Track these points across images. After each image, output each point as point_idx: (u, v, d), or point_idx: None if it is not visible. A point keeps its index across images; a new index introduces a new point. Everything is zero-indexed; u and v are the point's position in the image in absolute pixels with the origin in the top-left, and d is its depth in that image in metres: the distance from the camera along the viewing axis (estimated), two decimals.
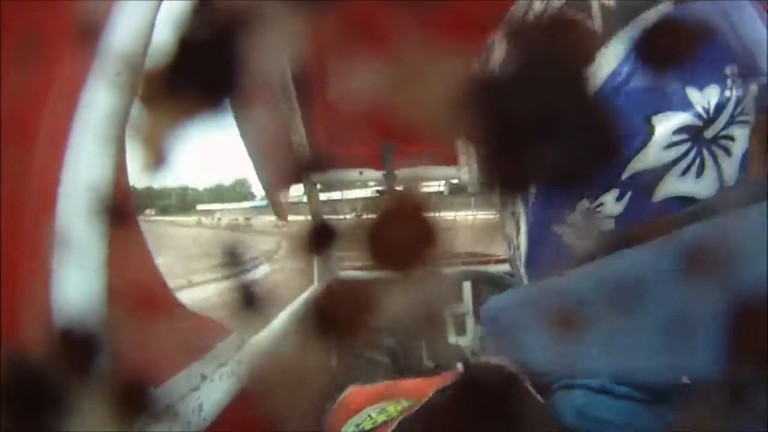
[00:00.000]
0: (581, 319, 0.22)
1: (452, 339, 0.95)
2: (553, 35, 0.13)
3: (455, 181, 1.01)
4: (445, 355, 0.89)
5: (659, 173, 0.24)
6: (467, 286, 1.02)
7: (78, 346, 0.18)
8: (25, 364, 0.17)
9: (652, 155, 0.24)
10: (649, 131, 0.24)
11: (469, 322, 0.97)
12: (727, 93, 0.24)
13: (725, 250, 0.18)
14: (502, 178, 0.13)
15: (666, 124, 0.24)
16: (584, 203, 0.26)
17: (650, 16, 0.25)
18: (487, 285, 1.01)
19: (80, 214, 0.24)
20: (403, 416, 0.32)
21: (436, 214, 0.15)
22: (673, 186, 0.24)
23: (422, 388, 0.34)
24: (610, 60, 0.25)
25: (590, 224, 0.26)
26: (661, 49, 0.16)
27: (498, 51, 0.28)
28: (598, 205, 0.25)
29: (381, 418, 0.38)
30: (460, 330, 0.96)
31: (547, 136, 0.13)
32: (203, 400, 0.38)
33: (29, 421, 0.16)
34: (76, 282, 0.23)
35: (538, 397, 0.24)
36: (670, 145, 0.24)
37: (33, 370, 0.16)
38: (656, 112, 0.24)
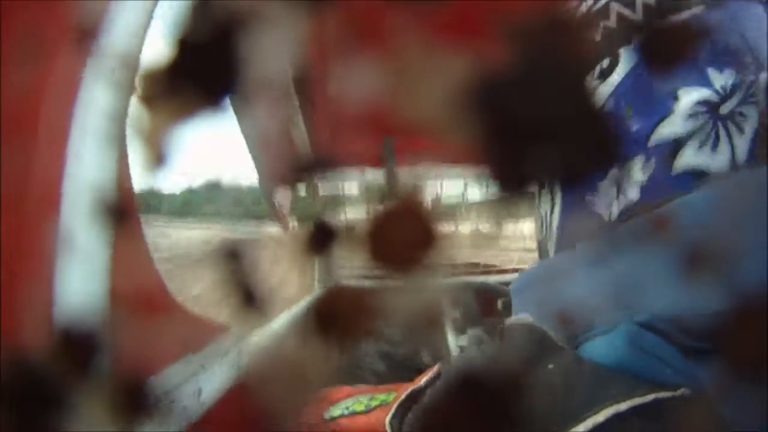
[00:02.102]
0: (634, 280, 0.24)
1: (451, 341, 0.95)
2: (555, 35, 0.13)
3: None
4: (445, 355, 0.88)
5: (681, 142, 0.28)
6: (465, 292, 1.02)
7: (79, 347, 0.18)
8: (26, 364, 0.17)
9: (675, 123, 0.28)
10: (675, 101, 0.28)
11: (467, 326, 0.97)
12: (742, 76, 0.27)
13: (725, 250, 0.19)
14: (502, 177, 0.13)
15: (690, 97, 0.27)
16: (614, 171, 0.29)
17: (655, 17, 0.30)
18: (484, 294, 1.01)
19: (82, 215, 0.24)
20: (411, 388, 0.34)
21: (438, 217, 0.15)
22: (691, 158, 0.27)
23: (403, 388, 0.35)
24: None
25: (618, 193, 0.29)
26: (664, 50, 0.16)
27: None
28: (627, 172, 0.29)
29: (374, 403, 0.38)
30: (460, 332, 0.96)
31: (548, 136, 0.13)
32: (202, 385, 0.38)
33: (29, 421, 0.16)
34: (78, 282, 0.23)
35: (565, 345, 0.26)
36: (692, 115, 0.27)
37: (33, 370, 0.16)
38: (682, 87, 0.28)
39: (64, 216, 0.23)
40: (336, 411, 0.40)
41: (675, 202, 0.26)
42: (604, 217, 0.30)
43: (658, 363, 0.23)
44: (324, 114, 0.91)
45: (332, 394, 0.44)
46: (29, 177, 0.23)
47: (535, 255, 0.40)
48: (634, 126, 0.29)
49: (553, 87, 0.13)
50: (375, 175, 1.03)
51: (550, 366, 0.25)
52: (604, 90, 0.30)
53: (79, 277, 0.23)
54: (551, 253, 0.35)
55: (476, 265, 1.27)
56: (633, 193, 0.29)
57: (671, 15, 0.29)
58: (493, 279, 1.13)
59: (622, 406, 0.21)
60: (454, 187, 1.07)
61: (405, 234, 0.15)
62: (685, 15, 0.28)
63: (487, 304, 0.96)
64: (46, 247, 0.23)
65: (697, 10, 0.28)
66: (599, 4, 0.31)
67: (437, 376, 0.34)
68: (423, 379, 0.34)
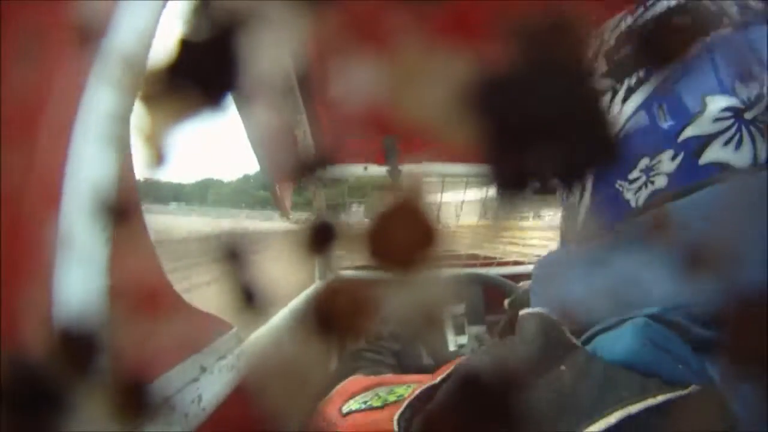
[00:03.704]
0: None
1: (451, 339, 0.94)
2: (556, 36, 0.13)
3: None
4: (445, 353, 0.88)
5: (707, 140, 0.30)
6: (466, 287, 1.02)
7: (79, 347, 0.18)
8: (26, 364, 0.17)
9: (703, 124, 0.30)
10: (703, 106, 0.30)
11: (467, 323, 0.97)
12: (765, 89, 0.30)
13: (725, 250, 0.19)
14: (502, 177, 0.13)
15: (716, 103, 0.30)
16: (645, 161, 0.32)
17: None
18: (488, 287, 1.00)
19: (83, 214, 0.24)
20: (426, 385, 0.34)
21: (438, 216, 0.15)
22: (717, 153, 0.30)
23: (426, 380, 0.35)
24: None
25: (647, 181, 0.32)
26: (662, 47, 0.15)
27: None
28: (657, 163, 0.31)
29: (391, 398, 0.38)
30: (459, 330, 0.96)
31: (548, 136, 0.13)
32: (203, 391, 0.38)
33: (29, 421, 0.16)
34: (78, 282, 0.23)
35: (578, 342, 0.27)
36: (718, 119, 0.30)
37: (33, 370, 0.16)
38: (710, 94, 0.30)
39: (64, 215, 0.23)
40: (354, 405, 0.40)
41: (676, 203, 0.28)
42: (631, 203, 0.33)
43: (669, 358, 0.23)
44: (326, 113, 0.91)
45: (350, 386, 0.44)
46: (29, 177, 0.23)
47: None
48: (666, 124, 0.32)
49: (553, 87, 0.13)
50: (377, 174, 1.02)
51: (562, 368, 0.25)
52: (639, 97, 0.33)
53: (79, 277, 0.23)
54: (575, 235, 0.37)
55: (476, 256, 1.26)
56: (661, 181, 0.31)
57: (700, 36, 0.31)
58: (493, 271, 1.12)
59: (634, 408, 0.21)
60: (454, 187, 1.07)
61: (406, 232, 0.15)
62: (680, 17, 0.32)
63: (492, 298, 0.96)
64: (45, 247, 0.23)
65: (725, 30, 0.31)
66: (638, 22, 0.34)
67: (451, 374, 0.34)
68: (438, 378, 0.35)
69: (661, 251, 0.26)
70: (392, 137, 0.93)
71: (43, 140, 0.23)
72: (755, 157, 0.29)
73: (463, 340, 0.94)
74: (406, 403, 0.34)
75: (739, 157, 0.30)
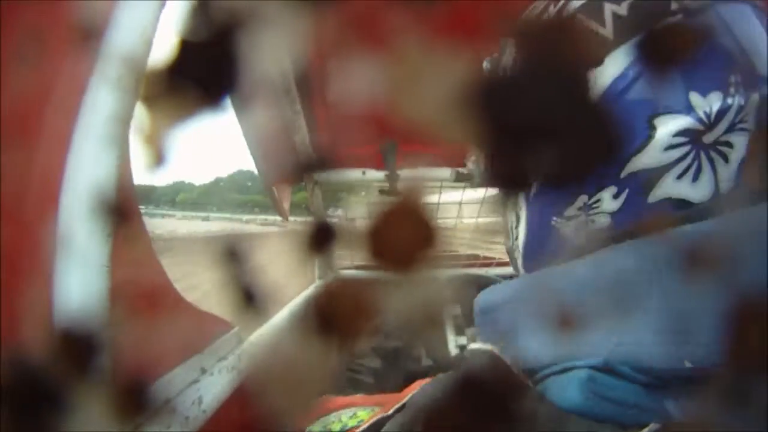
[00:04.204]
0: (579, 318, 0.22)
1: (451, 339, 0.95)
2: (557, 36, 0.13)
3: (462, 170, 1.00)
4: (443, 354, 0.89)
5: (657, 174, 0.25)
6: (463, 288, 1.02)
7: (79, 347, 0.18)
8: (26, 364, 0.17)
9: (651, 155, 0.25)
10: (651, 132, 0.24)
11: (465, 324, 0.97)
12: (729, 100, 0.24)
13: (725, 249, 0.19)
14: (502, 177, 0.13)
15: (667, 126, 0.24)
16: (583, 198, 0.27)
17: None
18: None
19: (83, 215, 0.24)
20: (378, 417, 0.32)
21: (437, 215, 0.15)
22: (670, 188, 0.25)
23: (397, 398, 0.34)
24: (617, 63, 0.25)
25: (587, 220, 0.27)
26: (663, 50, 0.15)
27: (509, 51, 0.28)
28: (596, 201, 0.26)
29: (352, 423, 0.38)
30: (459, 330, 0.96)
31: (548, 136, 0.13)
32: (203, 393, 0.38)
33: (29, 421, 0.16)
34: (78, 282, 0.23)
35: (529, 383, 0.25)
36: (670, 147, 0.24)
37: (33, 371, 0.16)
38: (658, 114, 0.25)
39: (64, 216, 0.23)
40: (316, 427, 0.40)
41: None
42: (573, 240, 0.28)
43: (618, 406, 0.22)
44: (325, 114, 0.91)
45: (328, 405, 0.43)
46: (29, 177, 0.23)
47: None
48: None
49: (553, 87, 0.13)
50: (375, 176, 1.02)
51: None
52: None
53: (79, 277, 0.23)
54: (519, 264, 0.33)
55: (476, 257, 1.26)
56: (603, 220, 0.27)
57: (659, 17, 0.26)
58: (493, 272, 1.12)
59: None
60: (453, 187, 1.07)
61: (405, 234, 0.15)
62: (679, 18, 0.26)
63: None
64: (45, 247, 0.23)
65: (676, 18, 0.26)
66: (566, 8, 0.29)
67: (403, 407, 0.33)
68: (391, 409, 0.33)
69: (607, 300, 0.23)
70: (391, 142, 0.93)
71: (43, 140, 0.23)
72: (717, 187, 0.24)
73: (463, 340, 0.95)
74: None
75: (697, 190, 0.24)
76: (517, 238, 0.33)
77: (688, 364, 0.19)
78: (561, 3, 0.28)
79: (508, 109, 0.13)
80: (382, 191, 0.99)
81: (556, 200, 0.28)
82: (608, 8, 0.26)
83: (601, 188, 0.26)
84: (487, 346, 0.27)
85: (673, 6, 0.25)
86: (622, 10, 0.26)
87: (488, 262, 1.24)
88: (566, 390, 0.23)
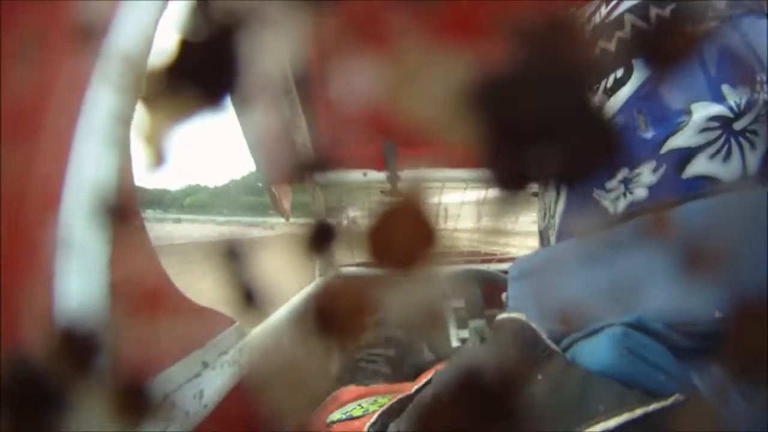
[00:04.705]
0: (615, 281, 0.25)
1: (453, 333, 0.95)
2: (557, 37, 0.13)
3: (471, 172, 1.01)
4: (446, 348, 0.89)
5: (692, 152, 0.28)
6: (464, 282, 1.03)
7: (79, 347, 0.18)
8: (26, 364, 0.17)
9: (687, 135, 0.28)
10: (688, 115, 0.28)
11: (470, 317, 0.97)
12: (756, 95, 0.27)
13: (725, 249, 0.19)
14: (502, 178, 0.13)
15: (702, 111, 0.28)
16: (624, 171, 0.30)
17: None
18: (488, 283, 1.01)
19: (83, 215, 0.24)
20: (401, 395, 0.33)
21: (438, 216, 0.15)
22: (702, 166, 0.28)
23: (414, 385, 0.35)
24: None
25: (626, 191, 0.30)
26: (663, 49, 0.15)
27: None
28: (636, 175, 0.29)
29: (372, 408, 0.38)
30: (461, 324, 0.96)
31: (548, 137, 0.13)
32: (204, 387, 0.38)
33: (29, 421, 0.16)
34: (78, 282, 0.23)
35: (557, 348, 0.26)
36: (704, 130, 0.28)
37: (33, 370, 0.16)
38: (695, 101, 0.28)
39: (64, 216, 0.23)
40: (337, 415, 0.40)
41: (678, 207, 0.26)
42: (609, 211, 0.31)
43: (649, 367, 0.22)
44: (326, 114, 0.91)
45: (342, 396, 0.44)
46: (30, 177, 0.23)
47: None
48: (648, 134, 0.29)
49: (554, 88, 0.13)
50: (377, 177, 1.02)
51: (539, 376, 0.24)
52: (618, 99, 0.30)
53: (79, 277, 0.23)
54: (552, 242, 0.35)
55: (477, 253, 1.26)
56: (641, 192, 0.29)
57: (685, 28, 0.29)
58: (494, 267, 1.12)
59: (611, 423, 0.20)
60: (454, 188, 1.07)
61: (406, 235, 0.15)
62: (715, 24, 0.29)
63: (490, 294, 0.97)
64: (45, 247, 0.23)
65: (712, 24, 0.29)
66: (614, 15, 0.32)
67: (428, 383, 0.33)
68: (413, 388, 0.34)
69: (653, 255, 0.25)
70: (392, 143, 0.93)
71: (43, 140, 0.23)
72: (744, 169, 0.27)
73: (465, 333, 0.95)
74: (379, 412, 0.34)
75: (727, 170, 0.27)
76: (554, 215, 0.35)
77: (717, 314, 0.21)
78: (613, 3, 0.32)
79: (508, 110, 0.13)
80: (383, 192, 0.99)
81: (598, 173, 0.30)
82: (653, 10, 0.29)
83: (641, 162, 0.29)
84: (516, 315, 0.28)
85: (710, 13, 0.29)
86: (666, 13, 0.29)
87: (489, 258, 1.24)
88: (598, 350, 0.24)
